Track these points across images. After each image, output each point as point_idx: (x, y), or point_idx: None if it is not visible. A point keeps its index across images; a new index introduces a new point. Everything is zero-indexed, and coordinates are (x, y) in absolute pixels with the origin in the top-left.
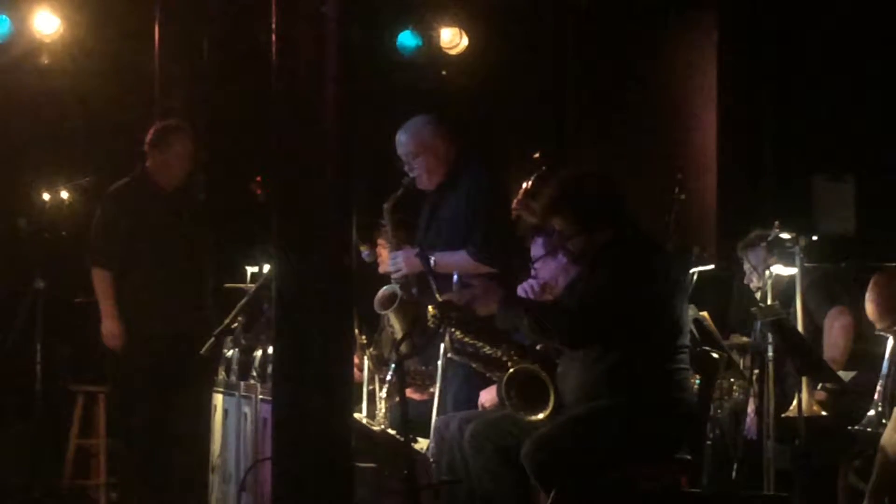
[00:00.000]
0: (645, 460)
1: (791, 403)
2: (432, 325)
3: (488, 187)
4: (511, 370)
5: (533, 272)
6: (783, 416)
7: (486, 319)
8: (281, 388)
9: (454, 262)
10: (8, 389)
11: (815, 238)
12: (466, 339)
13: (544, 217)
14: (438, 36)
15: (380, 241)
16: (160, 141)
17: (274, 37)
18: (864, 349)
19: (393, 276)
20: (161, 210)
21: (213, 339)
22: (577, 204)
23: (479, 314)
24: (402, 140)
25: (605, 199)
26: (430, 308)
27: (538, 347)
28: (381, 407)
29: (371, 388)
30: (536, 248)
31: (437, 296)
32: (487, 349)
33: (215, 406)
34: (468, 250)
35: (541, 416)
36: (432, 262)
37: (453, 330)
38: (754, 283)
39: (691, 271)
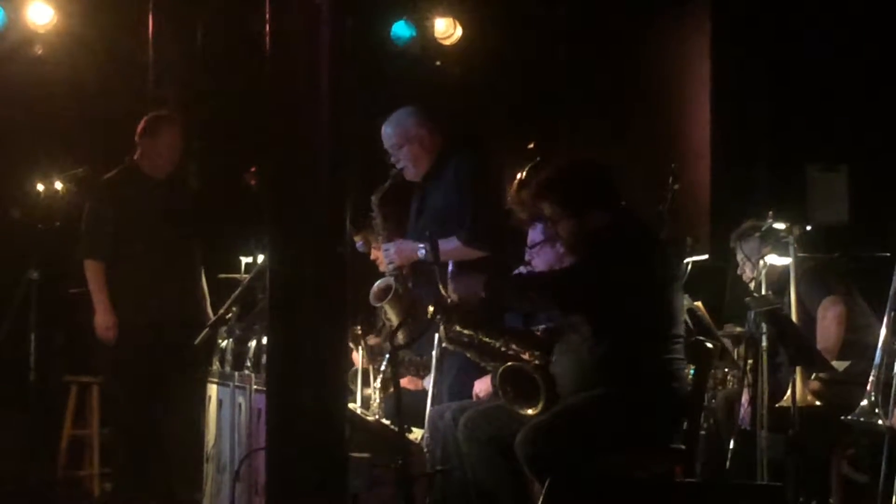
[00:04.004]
0: (639, 450)
1: (785, 393)
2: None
3: (473, 172)
4: (506, 365)
5: (528, 257)
6: (777, 405)
7: (485, 312)
8: (275, 379)
9: (447, 249)
10: (1, 380)
11: (808, 228)
12: (467, 332)
13: (534, 203)
14: (433, 26)
15: (374, 244)
16: (150, 131)
17: (267, 27)
18: (857, 339)
19: (387, 267)
20: (151, 200)
21: (207, 329)
22: (563, 187)
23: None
24: (387, 132)
25: (591, 182)
26: (430, 308)
27: (538, 333)
28: (376, 397)
29: (365, 378)
30: (535, 234)
31: (442, 288)
32: (487, 339)
33: (210, 396)
34: (459, 235)
35: (530, 411)
36: (422, 253)
37: (456, 326)
38: (747, 273)
39: (685, 261)
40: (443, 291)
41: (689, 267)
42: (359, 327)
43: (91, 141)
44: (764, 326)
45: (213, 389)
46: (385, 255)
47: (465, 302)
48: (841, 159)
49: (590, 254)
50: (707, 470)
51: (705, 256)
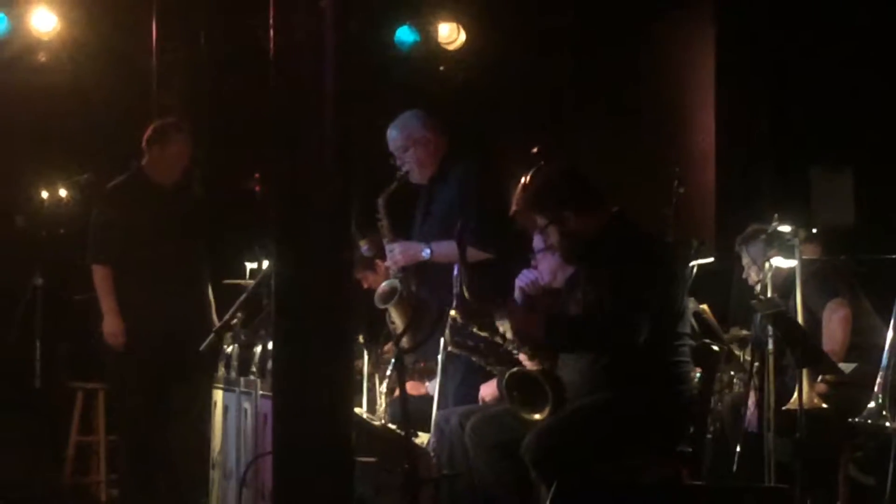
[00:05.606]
0: (646, 453)
1: (791, 396)
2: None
3: (477, 175)
4: (513, 370)
5: (533, 263)
6: (783, 408)
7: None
8: (281, 384)
9: (451, 251)
10: (8, 387)
11: (814, 231)
12: (483, 334)
13: (527, 217)
14: (436, 31)
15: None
16: (158, 138)
17: (272, 31)
18: (863, 341)
19: (390, 269)
20: (158, 207)
21: (212, 335)
22: (537, 196)
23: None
24: (393, 135)
25: (560, 187)
26: (452, 312)
27: None
28: (382, 402)
29: (371, 383)
30: (538, 241)
31: (465, 291)
32: (499, 339)
33: (215, 402)
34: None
35: (537, 416)
36: (427, 254)
37: (475, 328)
38: (752, 277)
39: (691, 264)
40: (465, 293)
41: (695, 270)
42: (361, 337)
43: (95, 147)
44: (770, 329)
45: (218, 395)
46: (389, 255)
47: (515, 335)
48: (845, 160)
49: (598, 266)
50: (714, 473)
51: (711, 259)
